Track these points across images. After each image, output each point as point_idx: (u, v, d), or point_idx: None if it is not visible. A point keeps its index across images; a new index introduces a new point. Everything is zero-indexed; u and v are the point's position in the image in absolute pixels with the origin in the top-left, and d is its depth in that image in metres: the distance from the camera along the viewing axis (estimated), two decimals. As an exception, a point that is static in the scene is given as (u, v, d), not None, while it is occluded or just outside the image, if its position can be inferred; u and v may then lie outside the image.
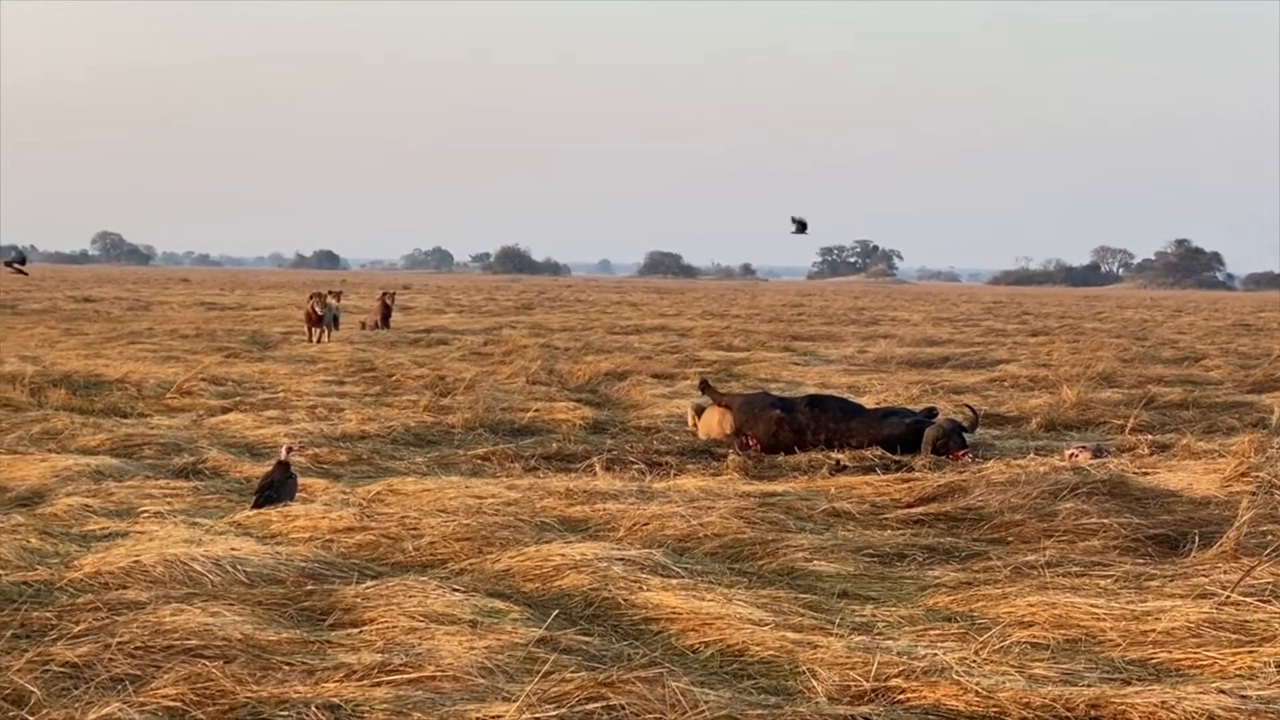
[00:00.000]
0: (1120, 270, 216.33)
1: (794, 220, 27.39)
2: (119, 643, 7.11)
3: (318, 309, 32.38)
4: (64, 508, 11.29)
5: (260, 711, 6.43)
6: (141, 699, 6.42)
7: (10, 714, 6.11)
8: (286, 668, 7.02)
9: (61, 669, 6.78)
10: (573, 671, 6.86)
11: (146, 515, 11.05)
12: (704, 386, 16.73)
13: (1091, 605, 8.28)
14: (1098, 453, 14.44)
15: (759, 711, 6.36)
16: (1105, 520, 10.74)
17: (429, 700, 6.55)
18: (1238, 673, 7.27)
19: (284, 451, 11.72)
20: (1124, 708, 6.58)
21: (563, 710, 6.28)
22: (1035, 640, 7.79)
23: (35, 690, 6.32)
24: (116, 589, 8.63)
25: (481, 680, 6.86)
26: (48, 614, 7.89)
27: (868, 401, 18.15)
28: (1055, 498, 11.42)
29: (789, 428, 15.28)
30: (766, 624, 8.00)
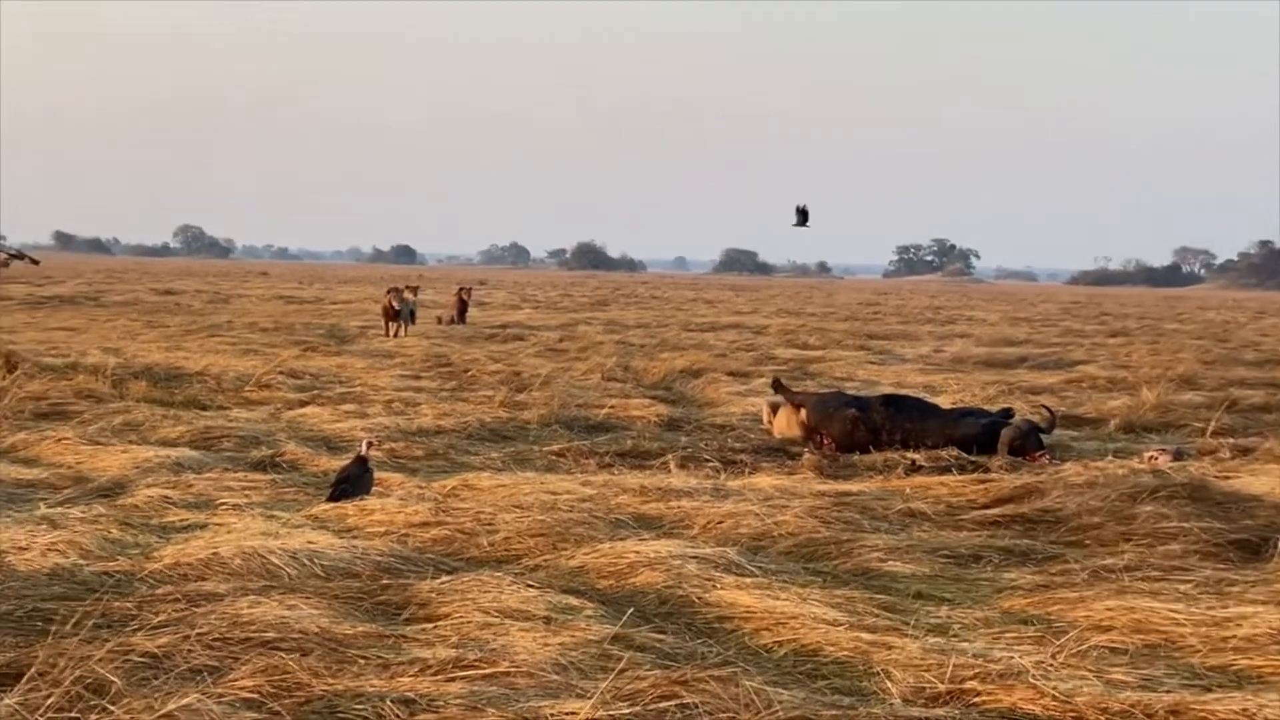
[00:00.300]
0: (1202, 271, 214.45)
1: (797, 211, 27.39)
2: (198, 634, 7.17)
3: (394, 303, 32.54)
4: (144, 499, 11.39)
5: (336, 704, 6.47)
6: (220, 690, 6.47)
7: (91, 703, 6.16)
8: (362, 661, 7.05)
9: (141, 659, 6.84)
10: (646, 669, 6.87)
11: (225, 507, 11.14)
12: (777, 385, 16.69)
13: (1171, 610, 8.21)
14: (1178, 455, 14.33)
15: (833, 712, 6.35)
16: (1185, 524, 10.65)
17: (503, 696, 6.56)
18: (1319, 680, 7.20)
19: (363, 446, 11.78)
20: (1204, 715, 6.53)
21: (636, 708, 6.29)
22: (1113, 645, 7.74)
23: (116, 680, 6.38)
24: (195, 580, 8.70)
25: (555, 676, 6.87)
26: (128, 604, 7.96)
27: (944, 401, 18.08)
28: (1134, 501, 11.33)
29: (864, 427, 15.23)
30: (841, 624, 7.99)
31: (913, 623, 8.10)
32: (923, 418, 15.27)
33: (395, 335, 31.99)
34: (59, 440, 14.23)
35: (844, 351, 31.44)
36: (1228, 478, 12.99)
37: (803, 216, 27.04)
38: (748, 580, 8.87)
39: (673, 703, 6.37)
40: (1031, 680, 6.88)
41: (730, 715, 6.25)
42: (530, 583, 8.54)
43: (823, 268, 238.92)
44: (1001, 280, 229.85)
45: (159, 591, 8.32)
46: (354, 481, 11.42)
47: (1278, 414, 19.34)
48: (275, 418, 16.80)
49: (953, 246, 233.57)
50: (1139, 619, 8.13)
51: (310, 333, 32.78)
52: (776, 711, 6.23)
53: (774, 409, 16.38)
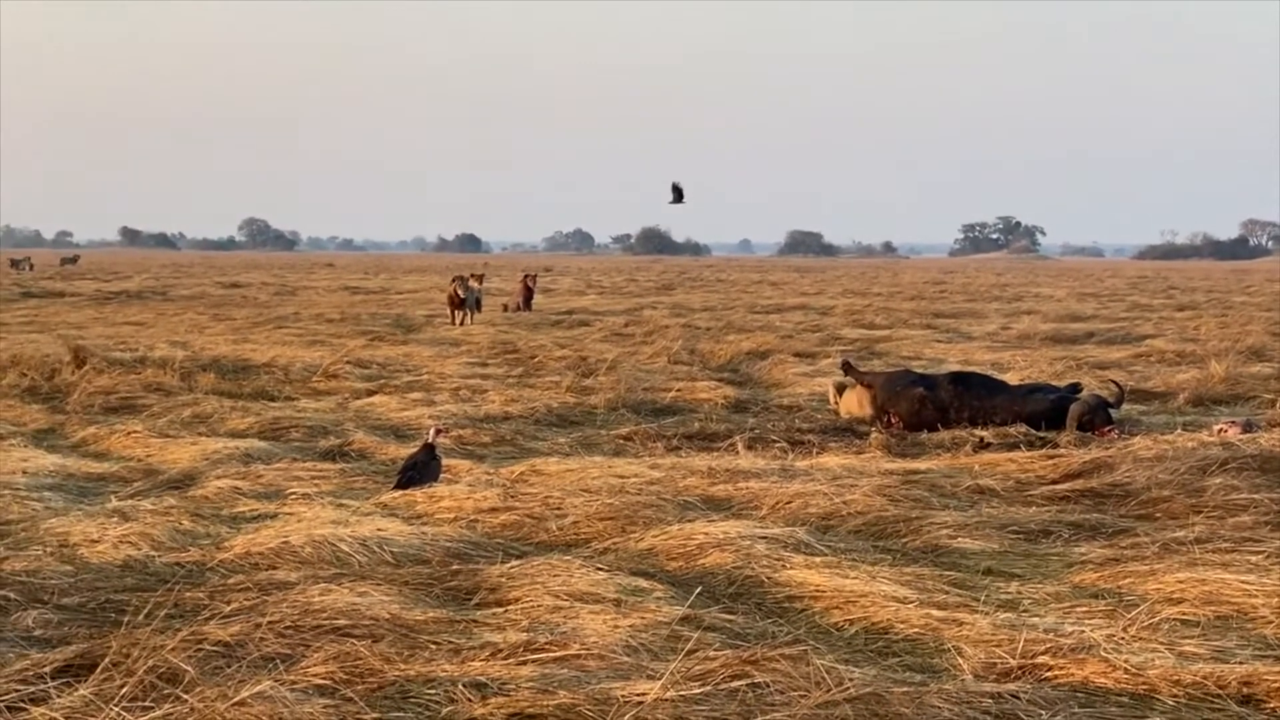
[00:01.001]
0: (1270, 243, 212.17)
1: (673, 188, 27.45)
2: (269, 622, 7.21)
3: (459, 291, 32.63)
4: (214, 490, 11.46)
5: (408, 689, 6.50)
6: (292, 677, 6.51)
7: (165, 692, 6.21)
8: (433, 646, 7.08)
9: (214, 648, 6.88)
10: (717, 649, 6.87)
11: (294, 497, 11.18)
12: (845, 366, 16.63)
13: (1242, 582, 8.15)
14: (1247, 427, 14.21)
15: (904, 689, 6.33)
16: (1256, 495, 10.57)
17: (574, 678, 6.58)
18: (1394, 649, 7.14)
19: (431, 434, 11.81)
20: (1277, 685, 6.49)
21: (707, 688, 6.29)
22: (1185, 617, 7.69)
23: (189, 669, 6.42)
24: (266, 569, 8.76)
25: (626, 658, 6.89)
26: (200, 594, 8.03)
27: (1011, 378, 17.99)
28: (1204, 473, 11.26)
29: (932, 405, 15.19)
30: (911, 601, 7.97)
31: (983, 599, 8.07)
32: (990, 395, 15.21)
33: (461, 323, 32.10)
34: (129, 433, 14.35)
35: (910, 330, 31.33)
36: (1299, 449, 12.87)
37: (678, 194, 27.18)
38: (817, 559, 8.86)
39: (743, 682, 6.37)
40: (1103, 654, 6.85)
41: (801, 693, 6.24)
42: (599, 566, 8.56)
43: (888, 248, 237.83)
44: (1068, 257, 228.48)
45: (230, 581, 8.38)
46: (422, 469, 11.46)
47: (1350, 384, 19.12)
48: (343, 407, 16.88)
49: (1018, 224, 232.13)
50: (1210, 591, 8.08)
51: (376, 322, 32.92)
52: (848, 689, 6.21)
53: (840, 389, 16.35)
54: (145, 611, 7.36)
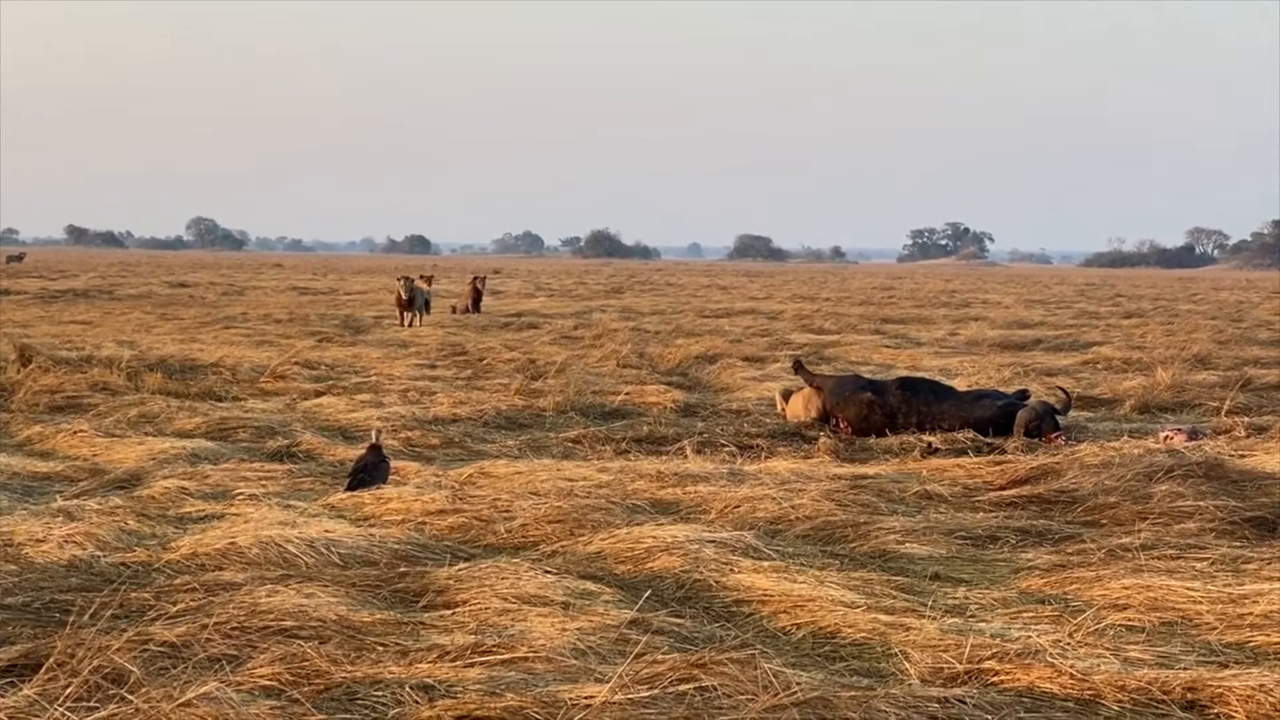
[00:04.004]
0: (1215, 251, 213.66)
1: None
2: (216, 623, 7.18)
3: (404, 292, 32.49)
4: (161, 490, 11.40)
5: (355, 691, 6.48)
6: (239, 678, 6.48)
7: (110, 692, 6.17)
8: (380, 648, 7.07)
9: (160, 649, 6.85)
10: (665, 653, 6.87)
11: (242, 497, 11.14)
12: (797, 367, 16.65)
13: (1187, 588, 8.21)
14: (1193, 435, 14.30)
15: (852, 693, 6.34)
16: (1201, 503, 10.64)
17: (522, 681, 6.57)
18: (1336, 656, 7.19)
19: (373, 435, 11.81)
20: (1221, 691, 6.53)
21: (655, 691, 6.29)
22: (1130, 623, 7.74)
23: (135, 669, 6.39)
24: (213, 570, 8.72)
25: (574, 661, 6.88)
26: (146, 595, 7.98)
27: (959, 384, 18.05)
28: (1150, 480, 11.32)
29: (880, 410, 15.22)
30: (859, 606, 7.99)
31: (930, 604, 8.09)
32: (938, 400, 15.26)
33: (410, 325, 32.03)
34: (75, 433, 14.25)
35: (859, 336, 31.41)
36: (1243, 456, 12.97)
37: None
38: (765, 564, 8.88)
39: (691, 685, 6.37)
40: (1049, 659, 6.88)
41: (749, 697, 6.25)
42: (548, 569, 8.56)
43: (837, 253, 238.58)
44: (1016, 263, 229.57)
45: (177, 581, 8.33)
46: (371, 470, 11.44)
47: (1293, 392, 19.26)
48: (291, 408, 16.81)
49: (966, 230, 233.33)
50: (1155, 597, 8.13)
51: (325, 323, 32.80)
52: (795, 693, 6.22)
53: (786, 395, 16.37)
54: (90, 612, 7.31)
